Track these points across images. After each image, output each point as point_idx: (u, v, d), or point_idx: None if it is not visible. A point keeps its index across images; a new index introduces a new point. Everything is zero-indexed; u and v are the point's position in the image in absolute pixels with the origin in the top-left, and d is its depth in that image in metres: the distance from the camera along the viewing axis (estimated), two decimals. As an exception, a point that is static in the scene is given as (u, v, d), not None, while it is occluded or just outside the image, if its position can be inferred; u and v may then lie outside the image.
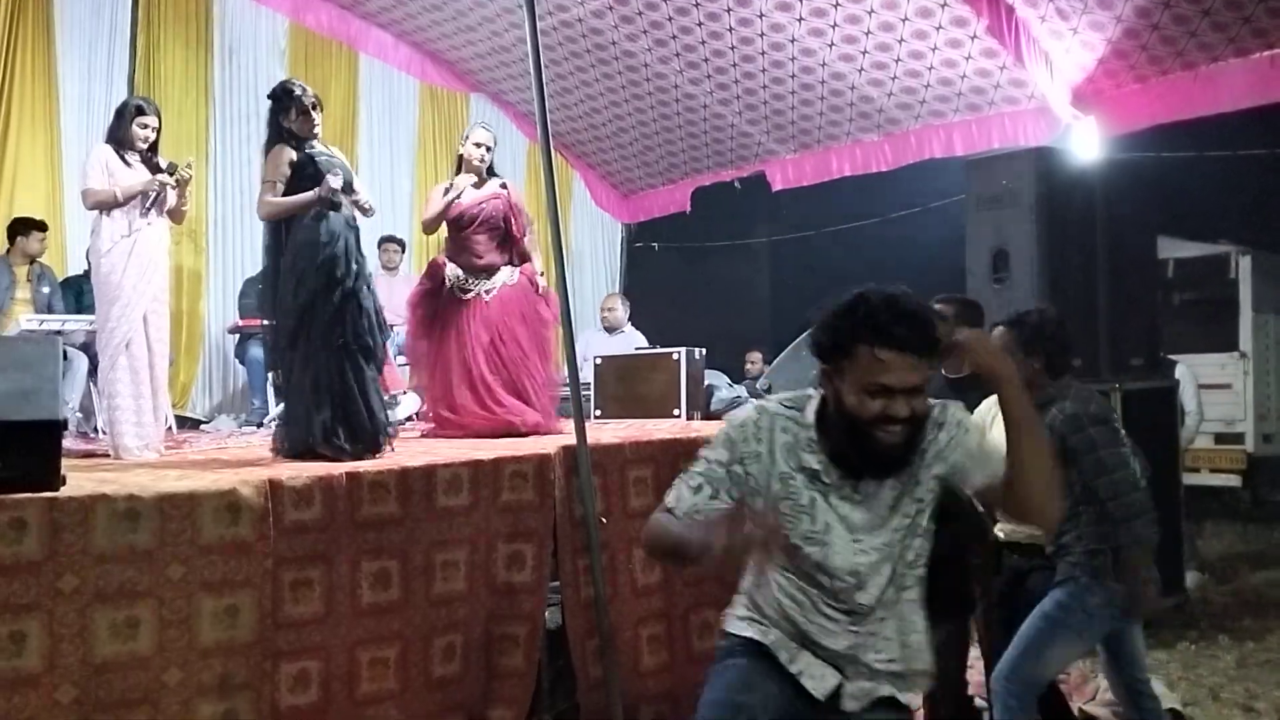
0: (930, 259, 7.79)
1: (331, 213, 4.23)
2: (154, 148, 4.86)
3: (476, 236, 5.37)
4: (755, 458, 2.20)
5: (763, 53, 7.38)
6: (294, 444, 4.10)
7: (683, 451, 4.09)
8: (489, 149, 5.50)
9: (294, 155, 4.31)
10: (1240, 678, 4.98)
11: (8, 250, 6.43)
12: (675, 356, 6.29)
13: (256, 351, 6.79)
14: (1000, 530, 3.67)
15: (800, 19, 6.87)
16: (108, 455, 4.58)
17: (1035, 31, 6.09)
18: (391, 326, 6.51)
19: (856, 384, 2.06)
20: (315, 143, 4.42)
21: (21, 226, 6.42)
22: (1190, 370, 7.13)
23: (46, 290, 6.44)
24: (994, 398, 3.96)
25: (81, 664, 2.90)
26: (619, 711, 3.91)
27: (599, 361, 6.74)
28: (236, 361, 7.59)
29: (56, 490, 2.97)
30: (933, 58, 6.76)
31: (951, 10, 6.33)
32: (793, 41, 7.14)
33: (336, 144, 5.01)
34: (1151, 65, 6.05)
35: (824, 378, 2.15)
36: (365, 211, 4.46)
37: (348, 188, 4.33)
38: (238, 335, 7.44)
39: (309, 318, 4.10)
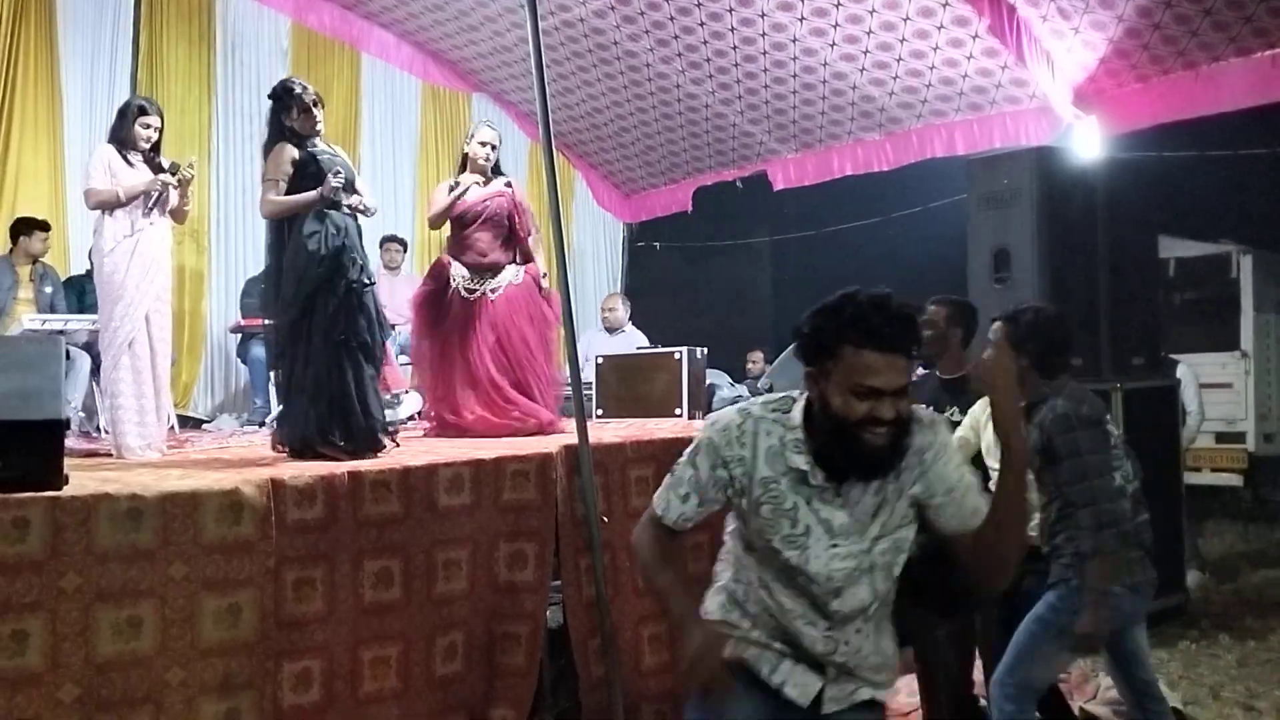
0: (931, 258, 7.81)
1: (332, 211, 4.24)
2: (156, 147, 4.87)
3: (480, 234, 5.38)
4: (739, 461, 2.19)
5: (764, 52, 7.38)
6: (291, 441, 4.12)
7: (684, 451, 4.07)
8: (494, 147, 5.51)
9: (296, 153, 4.31)
10: (1241, 677, 4.98)
11: (11, 250, 6.44)
12: (677, 356, 6.29)
13: (258, 351, 6.79)
14: None
15: (802, 18, 6.88)
16: (110, 455, 4.59)
17: (1037, 31, 6.09)
18: (393, 326, 6.53)
19: (842, 385, 2.06)
20: (317, 141, 4.43)
21: (24, 226, 6.43)
22: (1191, 370, 7.12)
23: (49, 290, 6.45)
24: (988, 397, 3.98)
25: (84, 663, 2.91)
26: (620, 710, 3.92)
27: (601, 361, 6.75)
28: (238, 361, 7.60)
29: (59, 489, 2.98)
30: (934, 57, 6.76)
31: (953, 10, 6.33)
32: (794, 41, 7.14)
33: (339, 144, 5.01)
34: (1153, 65, 6.05)
35: (810, 380, 2.15)
36: (366, 212, 4.46)
37: (349, 186, 4.33)
38: (240, 334, 7.44)
39: (309, 316, 4.11)
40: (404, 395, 6.68)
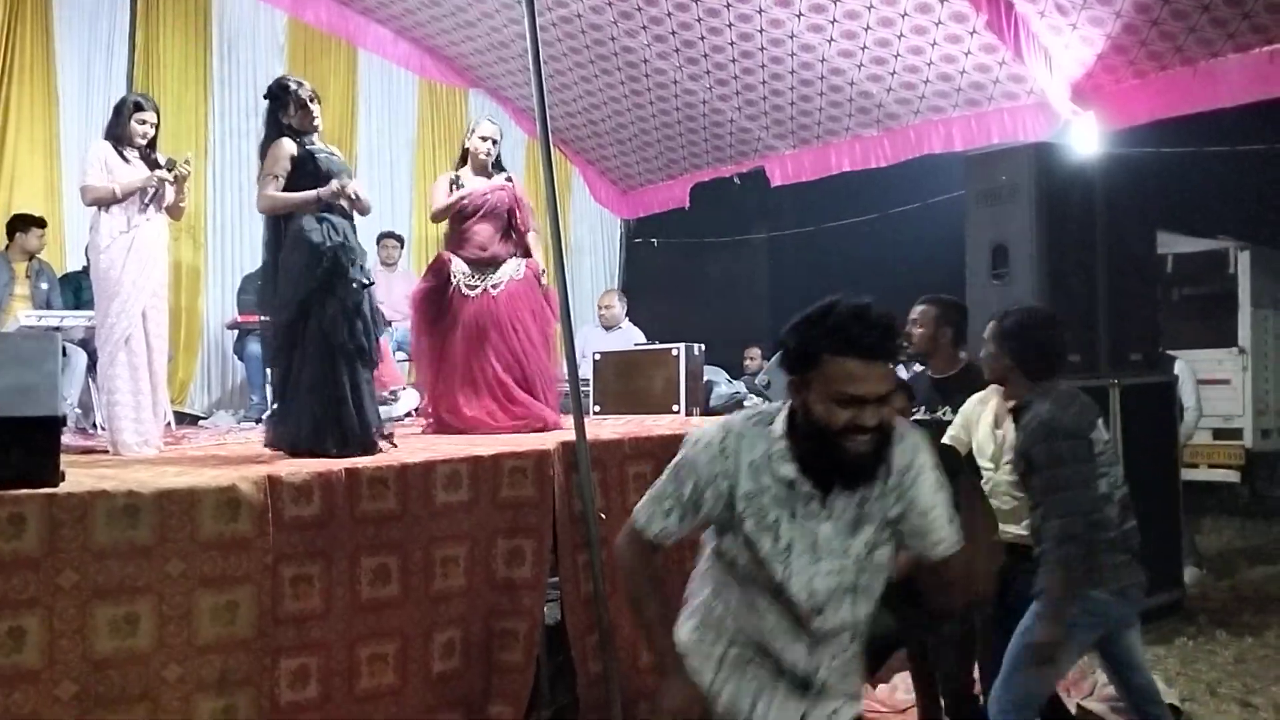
0: (929, 254, 7.80)
1: (330, 213, 4.22)
2: (153, 144, 4.87)
3: (480, 227, 5.37)
4: (723, 475, 2.18)
5: (762, 48, 7.37)
6: (284, 444, 4.10)
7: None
8: (495, 142, 5.51)
9: (295, 150, 4.30)
10: (1238, 673, 4.98)
11: (6, 246, 6.43)
12: (674, 352, 6.30)
13: (255, 347, 6.79)
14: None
15: (799, 15, 6.87)
16: (107, 451, 4.59)
17: (1034, 27, 6.08)
18: (390, 323, 6.52)
19: (825, 393, 2.06)
20: (315, 139, 4.42)
21: (20, 223, 6.42)
22: (1189, 366, 7.13)
23: (45, 286, 6.44)
24: (980, 395, 4.00)
25: (81, 660, 2.91)
26: (618, 707, 3.92)
27: (598, 357, 6.75)
28: (235, 357, 7.60)
29: (56, 486, 2.98)
30: (932, 53, 6.76)
31: (951, 6, 6.33)
32: (792, 37, 7.13)
33: (335, 139, 5.02)
34: (1151, 61, 6.04)
35: (792, 389, 2.15)
36: (360, 205, 4.42)
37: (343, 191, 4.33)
38: (236, 331, 7.44)
39: (305, 319, 4.09)
40: (401, 392, 6.67)
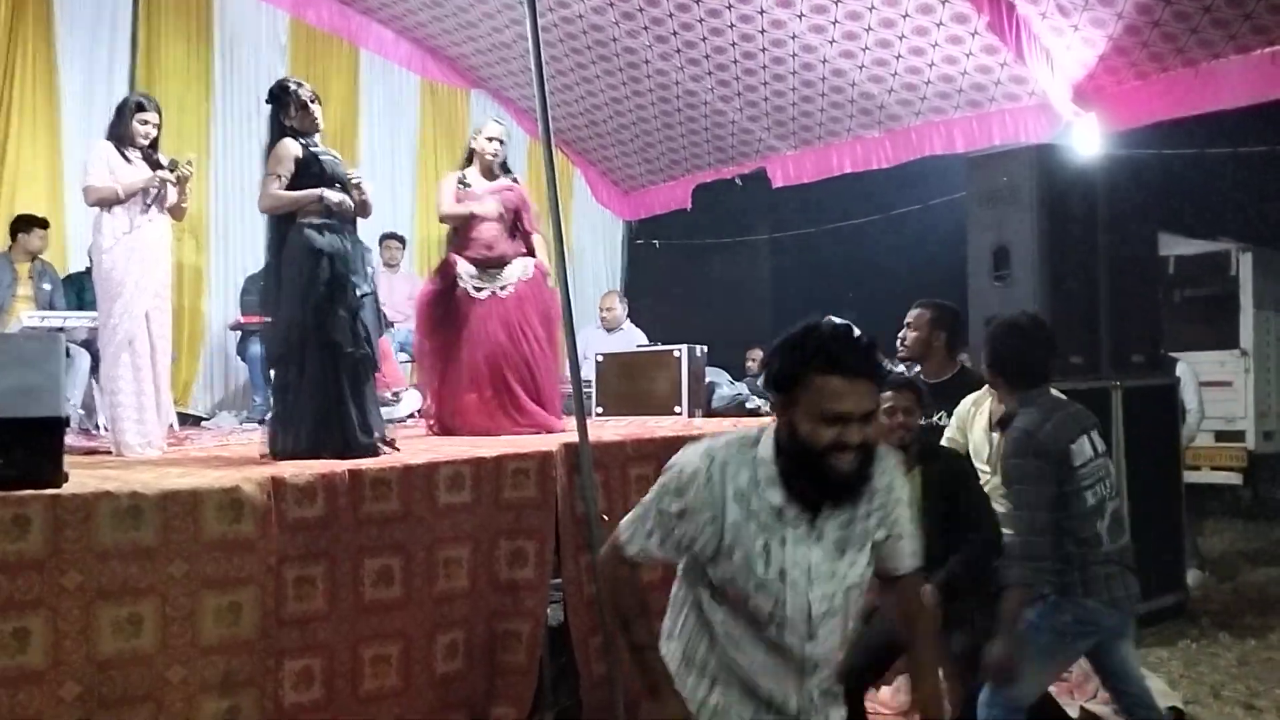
0: (931, 256, 7.81)
1: (332, 221, 4.22)
2: (155, 144, 4.87)
3: (485, 226, 5.36)
4: (708, 504, 2.17)
5: (764, 49, 7.38)
6: (284, 449, 4.08)
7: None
8: (502, 143, 5.50)
9: (299, 151, 4.30)
10: (1242, 675, 4.98)
11: (9, 247, 6.43)
12: (677, 354, 6.29)
13: (258, 348, 6.78)
14: None
15: (801, 15, 6.87)
16: (110, 452, 4.59)
17: (1036, 28, 6.09)
18: (392, 324, 6.52)
19: (810, 412, 2.09)
20: (318, 140, 4.42)
21: (23, 224, 6.42)
22: (1191, 368, 7.12)
23: (48, 287, 6.44)
24: (974, 396, 4.00)
25: (85, 661, 2.91)
26: (621, 709, 3.92)
27: (601, 359, 6.74)
28: (238, 358, 7.59)
29: (59, 487, 2.98)
30: (934, 54, 6.76)
31: (952, 7, 6.33)
32: (794, 38, 7.14)
33: (337, 140, 5.02)
34: (1152, 62, 6.05)
35: (777, 409, 2.18)
36: (361, 199, 4.43)
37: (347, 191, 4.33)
38: (239, 332, 7.44)
39: (305, 324, 4.09)
40: (403, 393, 6.68)
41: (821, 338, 2.11)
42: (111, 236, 4.63)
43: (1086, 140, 6.24)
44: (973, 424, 4.05)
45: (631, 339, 8.01)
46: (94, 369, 5.68)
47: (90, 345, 5.69)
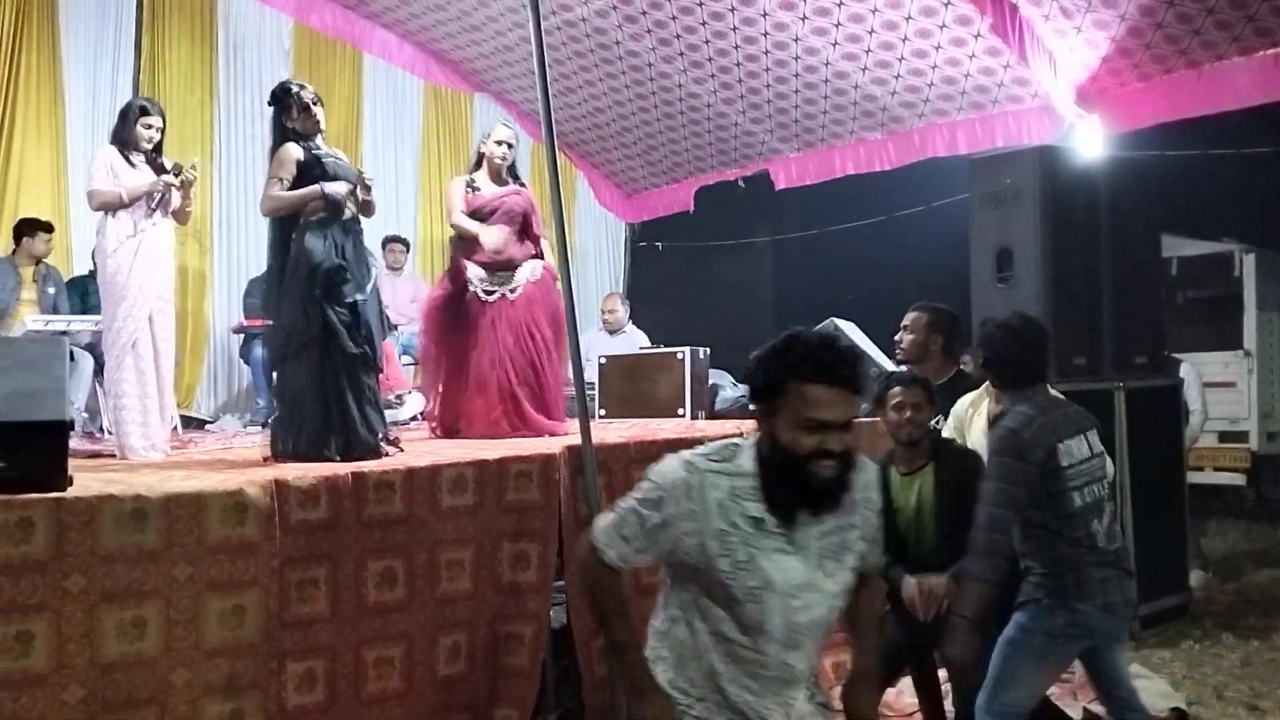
0: (933, 258, 7.79)
1: (334, 225, 4.23)
2: (158, 148, 4.88)
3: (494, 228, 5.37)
4: (689, 516, 2.17)
5: (766, 51, 7.38)
6: (286, 451, 4.10)
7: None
8: (510, 146, 5.50)
9: (301, 154, 4.32)
10: (1245, 676, 4.97)
11: (13, 251, 6.44)
12: (680, 356, 6.30)
13: (261, 351, 6.80)
14: None
15: (804, 18, 6.87)
16: (114, 455, 4.60)
17: (1039, 30, 6.08)
18: (395, 326, 6.53)
19: (791, 420, 2.11)
20: (321, 143, 4.43)
21: (27, 227, 6.44)
22: (1194, 369, 7.11)
23: (52, 291, 6.46)
24: (971, 396, 4.00)
25: (89, 664, 2.92)
26: (624, 711, 3.91)
27: (604, 361, 6.75)
28: (241, 361, 7.60)
29: (63, 490, 2.99)
30: (936, 56, 6.76)
31: (955, 9, 6.33)
32: (796, 40, 7.14)
33: (341, 144, 5.03)
34: (1155, 64, 6.04)
35: (758, 418, 2.20)
36: (365, 199, 4.43)
37: (351, 193, 4.34)
38: (242, 335, 7.44)
39: (306, 327, 4.10)
40: (407, 396, 6.68)
41: (805, 346, 2.13)
42: (115, 240, 4.64)
43: (1089, 142, 6.23)
44: (971, 424, 4.05)
45: (634, 341, 8.02)
46: (98, 372, 5.70)
47: (94, 349, 5.70)
